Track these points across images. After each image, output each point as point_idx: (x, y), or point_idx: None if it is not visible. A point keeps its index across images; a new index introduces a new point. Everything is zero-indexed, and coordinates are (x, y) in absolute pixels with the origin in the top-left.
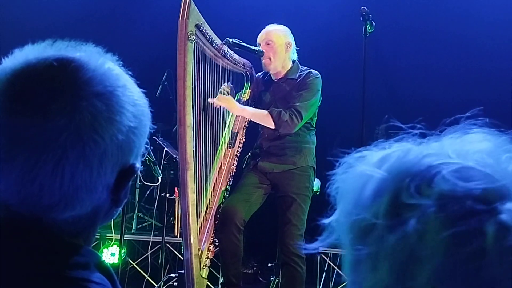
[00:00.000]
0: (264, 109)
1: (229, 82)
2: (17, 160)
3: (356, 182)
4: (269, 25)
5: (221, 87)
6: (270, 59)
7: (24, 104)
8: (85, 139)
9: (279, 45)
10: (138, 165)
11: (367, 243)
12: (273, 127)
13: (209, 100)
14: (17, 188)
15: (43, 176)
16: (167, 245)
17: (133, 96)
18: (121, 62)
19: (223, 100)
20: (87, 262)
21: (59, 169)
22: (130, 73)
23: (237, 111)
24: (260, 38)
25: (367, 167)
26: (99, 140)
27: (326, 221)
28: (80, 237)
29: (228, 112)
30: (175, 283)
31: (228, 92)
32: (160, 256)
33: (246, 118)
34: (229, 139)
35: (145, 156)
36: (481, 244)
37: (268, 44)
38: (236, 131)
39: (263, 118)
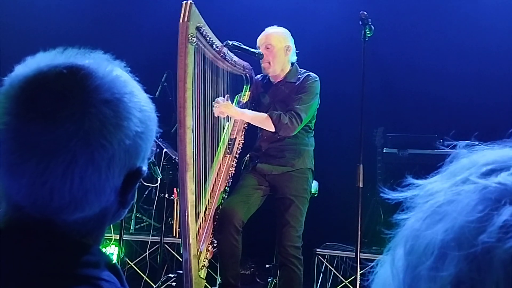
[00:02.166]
0: (263, 111)
1: (227, 95)
2: (28, 164)
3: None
4: (269, 27)
5: (215, 100)
6: (269, 63)
7: (35, 111)
8: (94, 145)
9: (278, 49)
10: (144, 168)
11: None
12: (273, 130)
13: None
14: (29, 191)
15: (54, 180)
16: (166, 245)
17: (139, 102)
18: (124, 64)
19: (222, 107)
20: (97, 261)
21: (68, 173)
22: (137, 79)
23: (236, 115)
24: (260, 41)
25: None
26: (107, 145)
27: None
28: (90, 237)
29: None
30: (173, 284)
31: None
32: (158, 256)
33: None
34: (228, 143)
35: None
36: None
37: (268, 48)
38: (234, 136)
39: (263, 121)
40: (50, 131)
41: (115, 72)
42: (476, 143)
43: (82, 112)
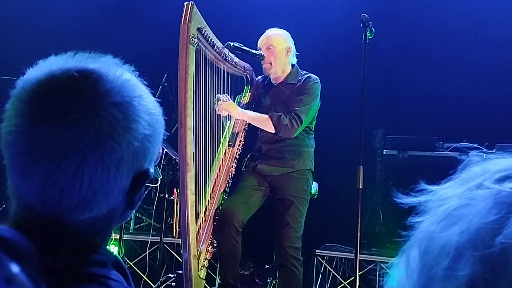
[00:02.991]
0: (263, 112)
1: (226, 94)
2: (39, 165)
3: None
4: (269, 29)
5: (216, 97)
6: (270, 63)
7: (47, 113)
8: (104, 146)
9: (279, 50)
10: (152, 170)
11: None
12: (273, 131)
13: (215, 107)
14: (39, 191)
15: (64, 180)
16: (165, 245)
17: (148, 106)
18: (124, 62)
19: (225, 105)
20: (105, 260)
21: (78, 174)
22: (145, 83)
23: (237, 115)
24: (261, 42)
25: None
26: (117, 147)
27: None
28: (97, 237)
29: (228, 115)
30: (173, 284)
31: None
32: (158, 256)
33: (246, 121)
34: (229, 140)
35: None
36: None
37: (269, 49)
38: (236, 131)
39: (263, 122)
40: (61, 132)
41: (125, 76)
42: (482, 149)
43: (92, 115)
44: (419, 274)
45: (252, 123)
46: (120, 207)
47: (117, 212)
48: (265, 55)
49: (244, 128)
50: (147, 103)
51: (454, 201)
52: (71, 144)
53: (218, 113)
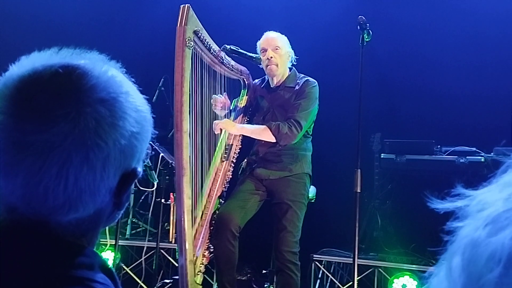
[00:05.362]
0: (261, 116)
1: (224, 93)
2: (23, 164)
3: None
4: (270, 32)
5: (213, 98)
6: (277, 65)
7: (30, 110)
8: (89, 144)
9: (285, 52)
10: (140, 169)
11: None
12: (273, 141)
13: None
14: (23, 191)
15: (48, 180)
16: (162, 250)
17: (135, 102)
18: (119, 64)
19: (222, 124)
20: (92, 262)
21: (63, 173)
22: (133, 80)
23: (236, 131)
24: (268, 43)
25: None
26: (103, 144)
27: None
28: (84, 239)
29: (225, 116)
30: None
31: (224, 105)
32: (154, 261)
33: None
34: (225, 149)
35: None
36: None
37: (277, 49)
38: (231, 142)
39: (263, 133)
40: (45, 130)
41: (111, 72)
42: (480, 153)
43: (77, 111)
44: (464, 285)
45: (251, 136)
46: (107, 208)
47: (104, 212)
48: (272, 56)
49: None
50: (135, 100)
51: (499, 205)
52: (55, 141)
53: (215, 133)
